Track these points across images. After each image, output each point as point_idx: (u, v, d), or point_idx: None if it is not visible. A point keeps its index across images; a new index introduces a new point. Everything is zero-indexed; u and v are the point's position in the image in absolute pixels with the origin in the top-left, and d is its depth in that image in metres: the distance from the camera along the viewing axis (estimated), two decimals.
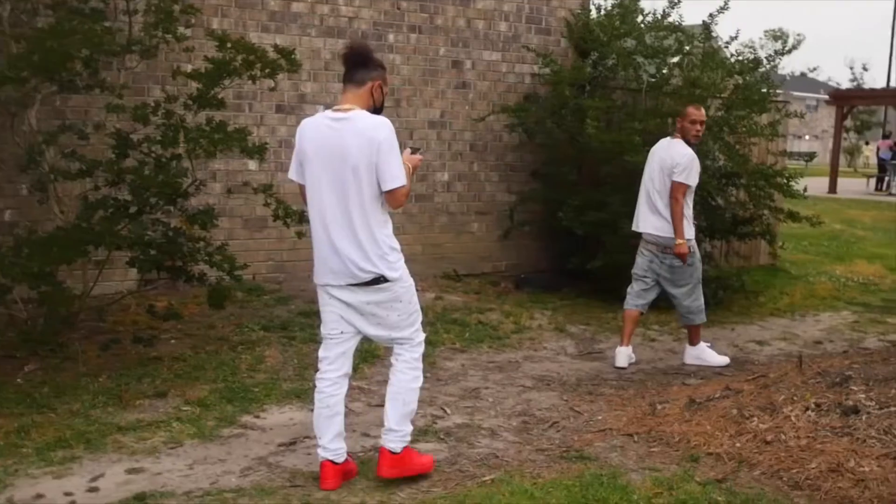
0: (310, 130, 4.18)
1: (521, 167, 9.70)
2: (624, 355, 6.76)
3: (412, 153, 4.42)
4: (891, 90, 31.10)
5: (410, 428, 4.39)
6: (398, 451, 4.32)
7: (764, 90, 8.87)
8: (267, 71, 6.17)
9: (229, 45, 6.04)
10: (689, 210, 6.68)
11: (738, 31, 9.34)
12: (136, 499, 4.08)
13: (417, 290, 4.41)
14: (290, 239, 7.14)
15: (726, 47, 9.46)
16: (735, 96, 8.72)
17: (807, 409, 4.90)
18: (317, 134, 4.14)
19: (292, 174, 4.30)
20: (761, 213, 9.06)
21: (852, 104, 29.33)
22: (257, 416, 5.30)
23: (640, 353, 6.98)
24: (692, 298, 6.82)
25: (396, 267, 4.19)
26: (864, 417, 4.70)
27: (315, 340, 6.44)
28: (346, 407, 4.37)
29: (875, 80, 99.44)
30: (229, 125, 6.22)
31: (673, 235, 6.59)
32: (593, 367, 6.73)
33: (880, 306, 9.39)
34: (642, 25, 9.30)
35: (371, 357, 6.35)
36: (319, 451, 4.27)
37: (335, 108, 4.18)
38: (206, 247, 6.14)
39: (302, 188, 4.27)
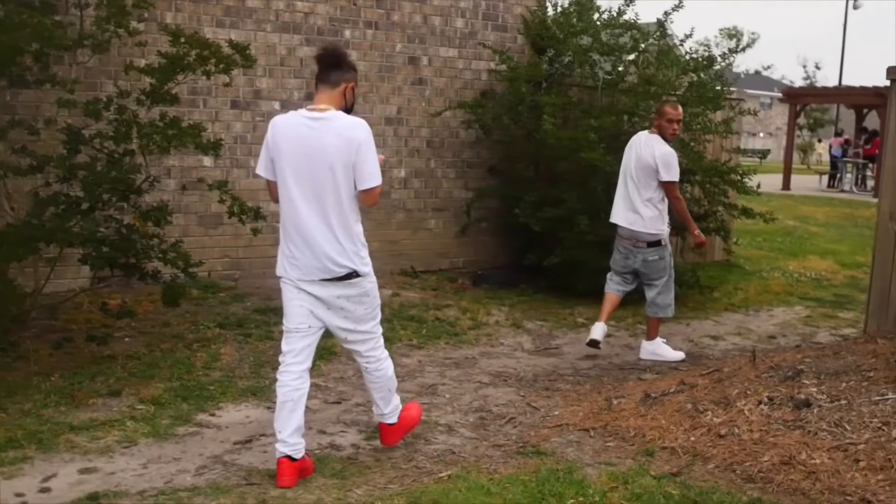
0: (284, 128, 4.22)
1: (478, 164, 9.71)
2: (599, 329, 6.88)
3: None
4: (843, 89, 31.52)
5: (399, 398, 4.73)
6: (396, 422, 4.70)
7: (718, 87, 8.96)
8: (221, 66, 6.14)
9: (183, 39, 5.99)
10: (662, 205, 6.79)
11: (692, 28, 9.42)
12: (89, 499, 4.03)
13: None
14: (245, 236, 7.10)
15: (681, 45, 9.55)
16: (690, 93, 8.79)
17: (760, 402, 4.96)
18: (292, 132, 4.19)
19: (261, 171, 4.34)
20: (716, 209, 9.15)
21: (805, 102, 29.70)
22: (213, 415, 5.25)
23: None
24: (665, 292, 6.91)
25: (367, 262, 4.34)
26: (815, 411, 4.78)
27: (271, 338, 6.43)
28: None
29: (827, 78, 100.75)
30: (183, 121, 6.15)
31: (646, 230, 6.73)
32: (550, 363, 6.76)
33: (832, 301, 9.53)
34: (598, 23, 9.35)
35: (328, 354, 6.33)
36: (278, 445, 4.25)
37: (310, 107, 4.25)
38: (160, 244, 6.09)
39: (272, 184, 4.33)
